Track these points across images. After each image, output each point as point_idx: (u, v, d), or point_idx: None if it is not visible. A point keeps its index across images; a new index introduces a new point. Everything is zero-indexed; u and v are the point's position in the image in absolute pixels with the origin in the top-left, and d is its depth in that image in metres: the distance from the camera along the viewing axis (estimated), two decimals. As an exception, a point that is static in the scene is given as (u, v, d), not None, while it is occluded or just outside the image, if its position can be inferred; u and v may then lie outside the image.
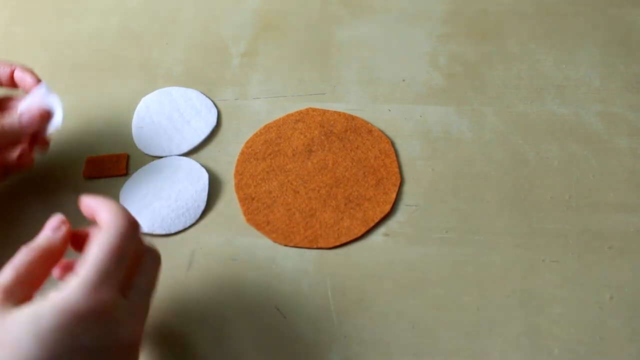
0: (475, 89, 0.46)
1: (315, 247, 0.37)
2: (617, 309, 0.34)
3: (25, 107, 0.38)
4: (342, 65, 0.49)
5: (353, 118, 0.44)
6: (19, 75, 0.39)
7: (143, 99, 0.46)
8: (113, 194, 0.40)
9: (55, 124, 0.38)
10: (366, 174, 0.41)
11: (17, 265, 0.27)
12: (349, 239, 0.37)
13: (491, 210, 0.39)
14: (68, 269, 0.30)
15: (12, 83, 0.40)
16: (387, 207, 0.39)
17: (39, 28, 0.53)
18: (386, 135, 0.43)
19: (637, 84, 0.46)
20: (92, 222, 0.31)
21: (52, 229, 0.30)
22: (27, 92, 0.39)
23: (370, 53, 0.49)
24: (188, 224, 0.39)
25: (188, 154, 0.43)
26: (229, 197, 0.40)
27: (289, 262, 0.37)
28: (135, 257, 0.29)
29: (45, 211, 0.40)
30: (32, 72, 0.40)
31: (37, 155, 0.42)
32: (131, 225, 0.28)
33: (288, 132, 0.43)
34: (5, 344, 0.23)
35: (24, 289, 0.26)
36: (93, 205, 0.30)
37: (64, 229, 0.30)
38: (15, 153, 0.38)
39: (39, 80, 0.39)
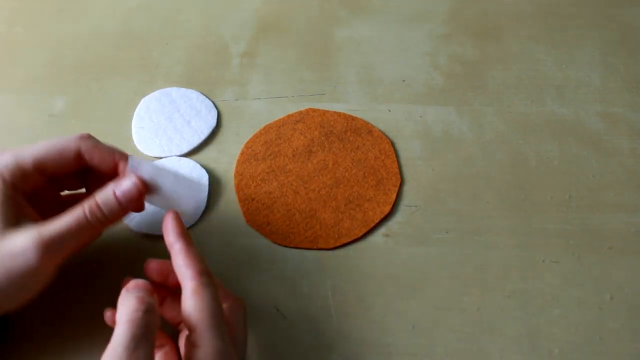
0: (475, 89, 0.46)
1: (315, 247, 0.37)
2: (617, 309, 0.34)
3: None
4: (342, 65, 0.49)
5: (353, 118, 0.44)
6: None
7: (143, 99, 0.46)
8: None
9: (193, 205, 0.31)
10: (366, 174, 0.41)
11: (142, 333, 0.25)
12: (349, 240, 0.37)
13: (491, 210, 0.39)
14: None
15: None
16: (387, 208, 0.39)
17: (39, 28, 0.53)
18: (386, 136, 0.43)
19: (637, 84, 0.46)
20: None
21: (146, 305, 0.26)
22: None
23: (370, 53, 0.49)
24: (188, 225, 0.39)
25: (188, 154, 0.43)
26: (229, 197, 0.40)
27: (289, 263, 0.37)
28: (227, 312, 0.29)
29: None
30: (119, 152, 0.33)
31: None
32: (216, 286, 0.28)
33: (288, 133, 0.43)
34: None
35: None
36: (179, 268, 0.28)
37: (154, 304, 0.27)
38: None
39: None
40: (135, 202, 0.31)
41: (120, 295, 0.27)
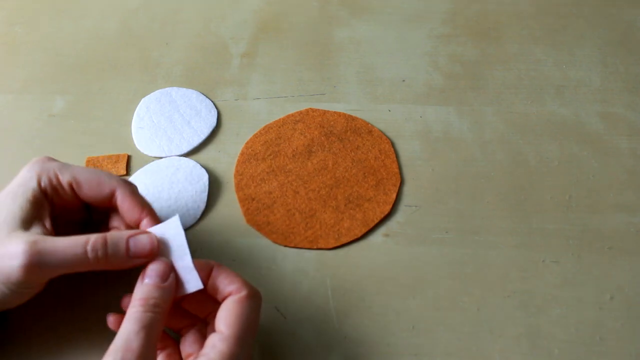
0: (475, 89, 0.46)
1: (315, 247, 0.37)
2: (617, 309, 0.34)
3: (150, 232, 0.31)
4: (342, 65, 0.49)
5: (353, 118, 0.44)
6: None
7: (143, 99, 0.46)
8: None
9: (190, 286, 0.29)
10: (366, 174, 0.41)
11: (144, 325, 0.26)
12: (349, 240, 0.37)
13: (491, 210, 0.39)
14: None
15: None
16: (387, 208, 0.39)
17: (39, 28, 0.53)
18: (386, 136, 0.43)
19: (637, 84, 0.46)
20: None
21: (162, 278, 0.28)
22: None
23: (370, 53, 0.49)
24: (188, 225, 0.39)
25: (188, 154, 0.43)
26: (229, 197, 0.40)
27: (289, 263, 0.37)
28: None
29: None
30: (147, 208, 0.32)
31: (36, 156, 0.42)
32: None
33: (288, 133, 0.43)
34: None
35: (155, 352, 0.27)
36: (227, 277, 0.29)
37: (173, 280, 0.29)
38: None
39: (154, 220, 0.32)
40: (141, 258, 0.30)
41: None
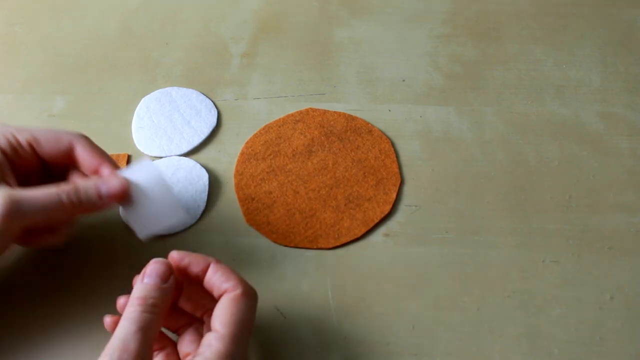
0: (475, 89, 0.46)
1: (315, 247, 0.37)
2: (617, 309, 0.34)
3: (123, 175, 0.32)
4: (342, 65, 0.49)
5: (353, 118, 0.44)
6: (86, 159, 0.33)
7: (143, 99, 0.46)
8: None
9: (177, 220, 0.30)
10: (366, 174, 0.41)
11: (141, 326, 0.26)
12: (349, 239, 0.37)
13: (491, 210, 0.39)
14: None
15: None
16: (387, 208, 0.39)
17: (39, 28, 0.53)
18: (386, 136, 0.43)
19: (637, 84, 0.46)
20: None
21: (162, 279, 0.28)
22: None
23: (370, 53, 0.49)
24: (188, 224, 0.39)
25: (188, 154, 0.43)
26: (229, 197, 0.40)
27: (289, 262, 0.37)
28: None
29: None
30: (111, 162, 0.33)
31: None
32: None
33: (288, 133, 0.43)
34: None
35: (152, 352, 0.27)
36: (223, 273, 0.29)
37: (173, 282, 0.29)
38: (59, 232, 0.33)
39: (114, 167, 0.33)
40: (114, 198, 0.31)
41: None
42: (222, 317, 0.27)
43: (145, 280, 0.28)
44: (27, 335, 0.34)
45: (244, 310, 0.27)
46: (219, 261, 0.30)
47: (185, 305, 0.31)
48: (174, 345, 0.30)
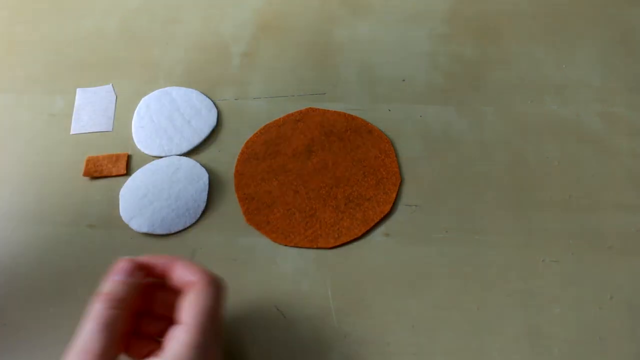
0: (475, 89, 0.46)
1: (315, 247, 0.37)
2: (617, 309, 0.34)
3: None
4: (342, 65, 0.48)
5: (353, 118, 0.44)
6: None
7: (143, 99, 0.46)
8: (113, 194, 0.40)
9: None
10: (366, 174, 0.41)
11: (106, 323, 0.26)
12: (349, 239, 0.37)
13: (491, 210, 0.39)
14: None
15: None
16: (387, 207, 0.39)
17: (39, 28, 0.53)
18: (386, 135, 0.43)
19: (637, 84, 0.46)
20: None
21: (128, 274, 0.28)
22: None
23: (370, 53, 0.49)
24: (188, 224, 0.39)
25: (188, 153, 0.43)
26: (229, 197, 0.40)
27: (289, 262, 0.37)
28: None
29: (45, 212, 0.40)
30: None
31: (36, 155, 0.42)
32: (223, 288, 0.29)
33: (288, 132, 0.43)
34: None
35: (117, 350, 0.26)
36: (186, 270, 0.29)
37: (139, 277, 0.29)
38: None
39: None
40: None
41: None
42: (187, 310, 0.27)
43: (112, 277, 0.28)
44: (27, 335, 0.34)
45: (207, 299, 0.27)
46: (181, 259, 0.29)
47: (164, 310, 0.31)
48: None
